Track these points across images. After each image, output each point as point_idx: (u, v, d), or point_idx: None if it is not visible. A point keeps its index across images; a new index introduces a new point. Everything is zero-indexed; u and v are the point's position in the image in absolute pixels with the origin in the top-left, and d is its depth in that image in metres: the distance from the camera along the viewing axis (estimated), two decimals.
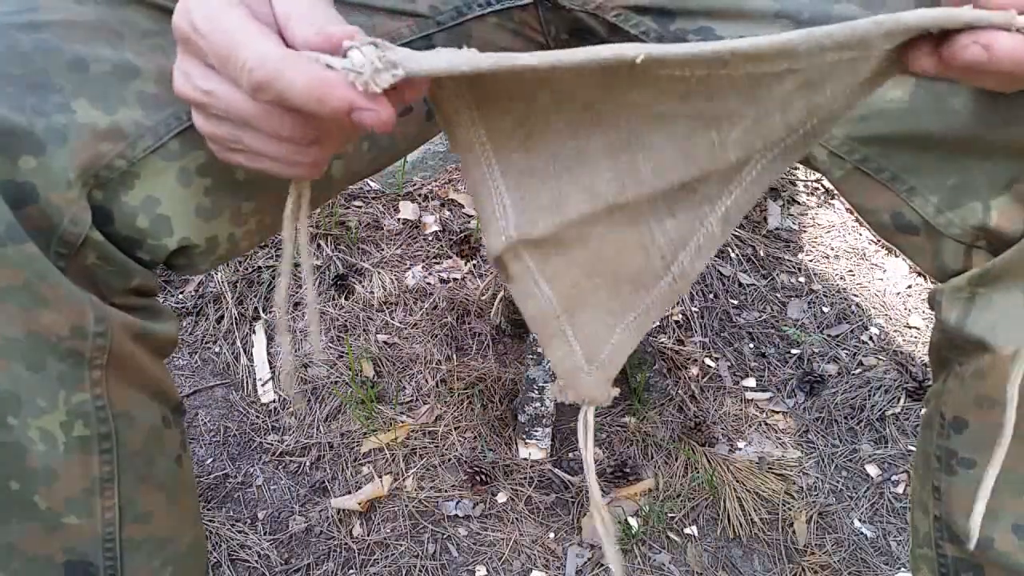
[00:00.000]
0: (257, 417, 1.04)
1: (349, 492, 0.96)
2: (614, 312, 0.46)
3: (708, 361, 1.14)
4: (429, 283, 1.19)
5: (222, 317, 1.13)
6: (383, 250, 1.23)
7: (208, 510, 0.94)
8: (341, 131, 0.37)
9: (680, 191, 0.42)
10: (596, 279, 0.45)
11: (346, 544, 0.92)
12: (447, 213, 1.29)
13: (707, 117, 0.39)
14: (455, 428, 1.03)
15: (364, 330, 1.13)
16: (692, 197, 0.43)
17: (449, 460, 1.00)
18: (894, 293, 1.26)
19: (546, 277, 0.44)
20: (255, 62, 0.32)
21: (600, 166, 0.41)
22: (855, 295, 1.26)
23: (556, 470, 1.00)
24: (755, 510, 0.97)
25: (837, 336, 1.19)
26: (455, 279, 1.20)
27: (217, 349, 1.11)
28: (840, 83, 0.37)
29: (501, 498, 0.97)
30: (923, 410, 0.57)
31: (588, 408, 0.47)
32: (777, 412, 1.10)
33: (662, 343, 1.15)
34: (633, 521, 0.95)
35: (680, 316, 1.19)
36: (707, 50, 0.36)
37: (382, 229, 1.26)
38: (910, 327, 1.21)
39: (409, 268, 1.21)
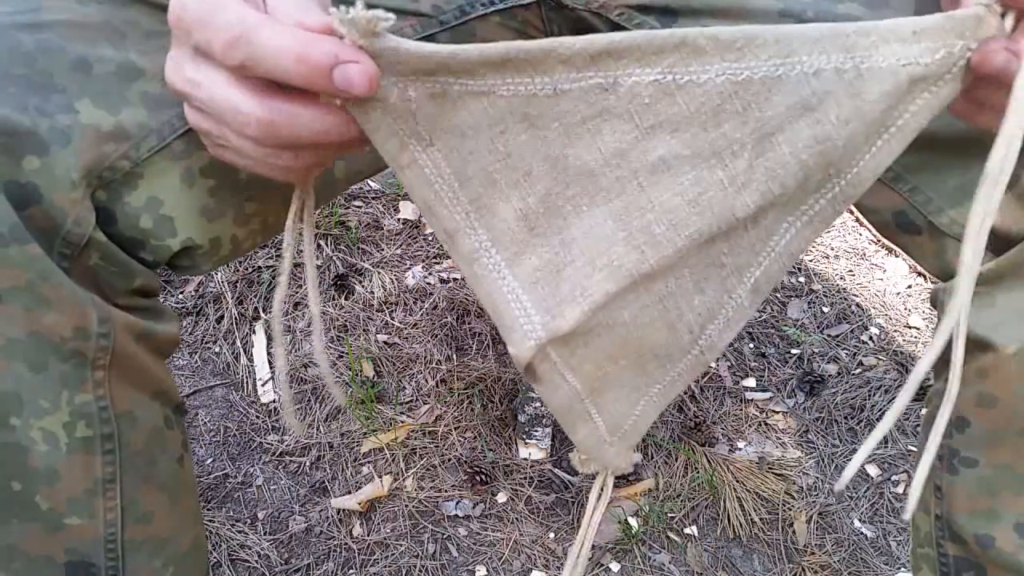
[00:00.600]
0: (257, 417, 1.04)
1: (349, 492, 0.96)
2: (639, 387, 0.44)
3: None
4: (429, 283, 1.19)
5: (222, 317, 1.13)
6: (383, 250, 1.23)
7: (208, 510, 0.94)
8: (311, 133, 0.34)
9: (709, 266, 0.40)
10: (622, 361, 0.43)
11: (346, 544, 0.92)
12: None
13: (705, 154, 0.37)
14: (455, 428, 1.03)
15: (364, 330, 1.13)
16: (720, 272, 0.41)
17: (449, 460, 1.00)
18: (894, 293, 1.27)
19: (571, 367, 0.42)
20: (232, 20, 0.31)
21: (614, 239, 0.38)
22: (855, 295, 1.26)
23: (556, 470, 1.00)
24: (755, 510, 0.97)
25: (837, 336, 1.20)
26: (455, 279, 1.20)
27: (217, 349, 1.11)
28: (842, 108, 0.36)
29: (501, 498, 0.97)
30: (924, 410, 0.57)
31: (609, 474, 0.47)
32: (777, 412, 1.10)
33: None
34: (633, 521, 0.95)
35: None
36: (675, 34, 0.35)
37: (382, 229, 1.26)
38: (910, 327, 1.21)
39: (409, 268, 1.21)
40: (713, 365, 1.14)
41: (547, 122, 0.37)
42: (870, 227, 1.36)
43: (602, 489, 0.48)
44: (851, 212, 1.39)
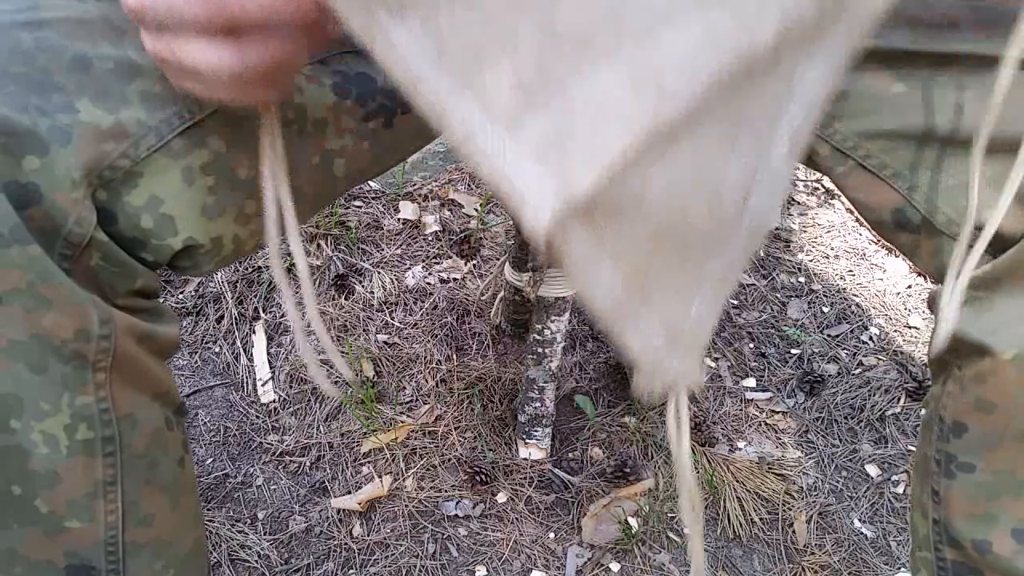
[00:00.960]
0: (257, 417, 1.04)
1: (349, 492, 0.96)
2: (689, 280, 0.39)
3: (708, 361, 1.14)
4: (429, 283, 1.19)
5: (222, 317, 1.13)
6: (383, 250, 1.23)
7: (208, 510, 0.94)
8: (259, 7, 0.33)
9: (735, 122, 0.35)
10: (665, 248, 0.37)
11: (346, 544, 0.91)
12: (447, 213, 1.29)
13: None
14: (455, 428, 1.03)
15: (364, 330, 1.13)
16: (749, 128, 0.36)
17: (449, 460, 1.00)
18: (894, 293, 1.27)
19: (610, 255, 0.36)
20: None
21: (623, 99, 0.33)
22: (855, 295, 1.26)
23: (556, 470, 1.00)
24: (755, 510, 0.97)
25: (837, 336, 1.19)
26: (455, 279, 1.20)
27: (217, 349, 1.11)
28: None
29: (501, 498, 0.97)
30: (923, 411, 0.57)
31: (680, 394, 0.41)
32: (777, 412, 1.10)
33: None
34: (633, 521, 0.95)
35: None
36: None
37: (382, 229, 1.26)
38: (910, 327, 1.21)
39: (409, 268, 1.21)
40: (713, 364, 1.13)
41: None
42: (868, 226, 1.36)
43: (678, 411, 0.41)
44: (851, 212, 1.39)
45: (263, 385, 1.07)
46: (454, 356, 1.11)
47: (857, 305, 1.24)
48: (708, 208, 0.37)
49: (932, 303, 0.51)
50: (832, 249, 1.33)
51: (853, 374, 1.14)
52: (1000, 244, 0.46)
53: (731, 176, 0.36)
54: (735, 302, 1.23)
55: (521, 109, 0.34)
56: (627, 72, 0.33)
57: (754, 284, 1.25)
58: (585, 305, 0.38)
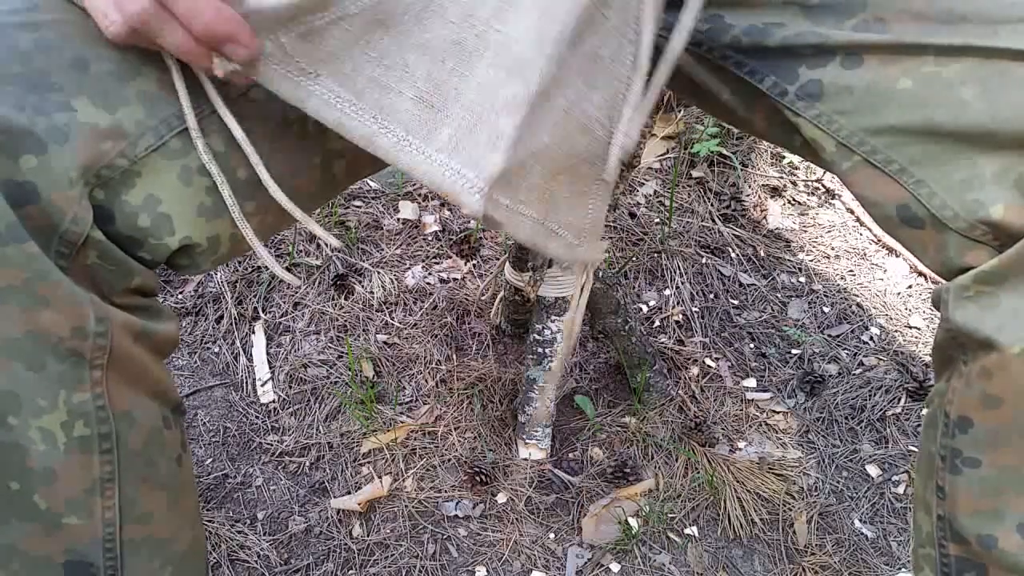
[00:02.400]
0: (257, 417, 1.04)
1: (349, 492, 0.96)
2: (583, 192, 0.50)
3: (708, 361, 1.14)
4: (429, 283, 1.19)
5: (221, 317, 1.13)
6: (383, 250, 1.23)
7: (208, 510, 0.94)
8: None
9: (590, 63, 0.46)
10: (559, 176, 0.48)
11: (346, 544, 0.91)
12: (447, 213, 1.29)
13: None
14: (455, 428, 1.03)
15: (364, 330, 1.13)
16: (602, 64, 0.47)
17: (449, 460, 1.00)
18: (895, 293, 1.26)
19: (522, 202, 0.47)
20: None
21: (499, 82, 0.43)
22: (856, 295, 1.26)
23: (556, 470, 1.00)
24: (755, 510, 0.96)
25: (838, 336, 1.19)
26: (455, 279, 1.20)
27: (216, 349, 1.11)
28: None
29: (501, 498, 0.97)
30: (925, 410, 0.56)
31: (588, 269, 0.54)
32: (777, 412, 1.09)
33: (662, 343, 1.14)
34: (633, 521, 0.95)
35: (680, 316, 1.19)
36: None
37: (382, 229, 1.26)
38: (911, 327, 1.21)
39: (409, 268, 1.21)
40: (713, 365, 1.13)
41: (398, 19, 0.43)
42: (871, 223, 1.36)
43: (584, 279, 0.56)
44: (851, 212, 1.39)
45: (262, 385, 1.07)
46: (454, 356, 1.11)
47: (858, 305, 1.24)
48: (585, 137, 0.48)
49: (937, 300, 0.51)
50: (833, 249, 1.33)
51: (854, 374, 1.14)
52: (1005, 236, 0.46)
53: (596, 106, 0.48)
54: (735, 302, 1.23)
55: (430, 119, 0.44)
56: (494, 59, 0.43)
57: (754, 284, 1.25)
58: (514, 239, 0.50)
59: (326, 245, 1.20)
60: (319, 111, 0.43)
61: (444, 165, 0.44)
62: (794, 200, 1.41)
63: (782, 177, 1.43)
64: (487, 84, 0.44)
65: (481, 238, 1.25)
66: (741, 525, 0.95)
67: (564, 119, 0.46)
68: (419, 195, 1.31)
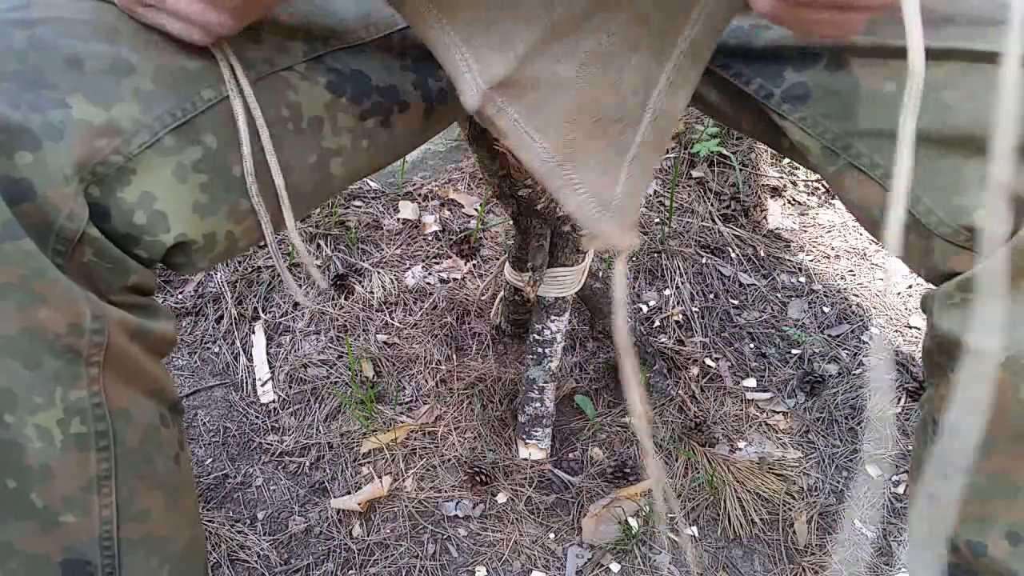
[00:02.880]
0: (257, 417, 1.04)
1: (349, 492, 0.96)
2: (611, 156, 0.48)
3: (708, 361, 1.14)
4: (429, 283, 1.19)
5: (221, 317, 1.13)
6: (383, 250, 1.23)
7: (208, 510, 0.94)
8: None
9: (637, 25, 0.45)
10: (585, 125, 0.47)
11: (346, 544, 0.91)
12: (447, 213, 1.29)
13: None
14: (455, 428, 1.03)
15: (364, 330, 1.13)
16: (648, 29, 0.45)
17: (449, 460, 1.00)
18: (894, 293, 1.26)
19: (536, 127, 0.46)
20: None
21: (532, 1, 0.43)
22: (855, 295, 1.25)
23: (556, 470, 1.00)
24: (755, 510, 0.96)
25: (837, 336, 1.19)
26: (455, 279, 1.20)
27: (216, 349, 1.11)
28: None
29: (501, 498, 0.97)
30: (917, 413, 0.56)
31: (619, 258, 0.48)
32: (777, 412, 1.09)
33: (662, 343, 1.14)
34: (633, 521, 0.95)
35: (680, 316, 1.19)
36: None
37: (382, 229, 1.26)
38: (910, 327, 1.21)
39: (409, 268, 1.21)
40: (713, 365, 1.13)
41: None
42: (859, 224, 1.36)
43: (619, 276, 0.49)
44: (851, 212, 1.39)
45: (262, 385, 1.07)
46: (454, 356, 1.11)
47: (858, 305, 1.24)
48: (613, 96, 0.47)
49: (925, 304, 0.51)
50: (833, 249, 1.33)
51: (854, 374, 1.14)
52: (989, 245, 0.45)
53: (633, 68, 0.46)
54: (735, 302, 1.23)
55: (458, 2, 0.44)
56: None
57: (754, 284, 1.25)
58: (526, 167, 0.48)
59: (326, 245, 1.21)
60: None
61: (456, 48, 0.45)
62: (794, 200, 1.41)
63: (782, 177, 1.43)
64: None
65: (481, 238, 1.25)
66: (741, 525, 0.95)
67: (594, 64, 0.45)
68: (419, 195, 1.31)
